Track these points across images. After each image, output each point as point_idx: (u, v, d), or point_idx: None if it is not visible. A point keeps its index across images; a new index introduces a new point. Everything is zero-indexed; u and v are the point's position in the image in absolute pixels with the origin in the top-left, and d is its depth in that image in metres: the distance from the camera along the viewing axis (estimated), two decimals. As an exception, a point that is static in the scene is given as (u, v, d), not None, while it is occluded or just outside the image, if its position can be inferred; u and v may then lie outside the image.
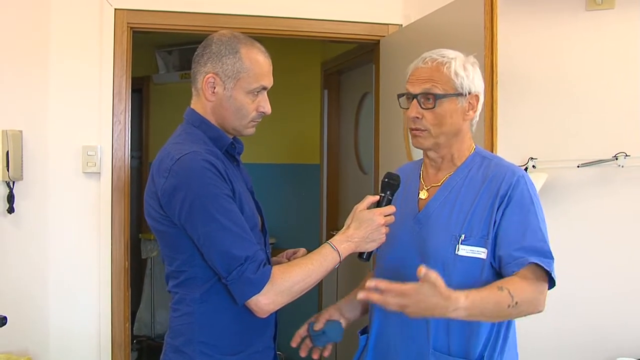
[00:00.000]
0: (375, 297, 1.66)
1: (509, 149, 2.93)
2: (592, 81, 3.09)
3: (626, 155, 2.96)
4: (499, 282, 1.77)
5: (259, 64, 1.92)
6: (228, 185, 1.82)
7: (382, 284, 1.65)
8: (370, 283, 1.67)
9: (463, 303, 1.67)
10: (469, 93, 1.91)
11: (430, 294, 1.62)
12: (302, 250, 2.09)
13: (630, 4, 3.04)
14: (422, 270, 1.61)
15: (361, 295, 1.70)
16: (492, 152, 2.62)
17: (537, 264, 1.80)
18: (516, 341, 1.97)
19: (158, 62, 5.99)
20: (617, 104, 3.06)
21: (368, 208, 1.90)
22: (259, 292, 1.75)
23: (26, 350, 3.13)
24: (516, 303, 1.74)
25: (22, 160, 3.13)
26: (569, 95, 3.12)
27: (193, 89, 1.98)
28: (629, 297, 3.03)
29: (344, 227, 1.90)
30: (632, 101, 3.04)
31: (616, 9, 3.05)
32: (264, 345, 1.98)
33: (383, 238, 1.89)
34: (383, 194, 1.92)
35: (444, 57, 1.91)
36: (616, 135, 3.03)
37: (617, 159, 2.98)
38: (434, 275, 1.62)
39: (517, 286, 1.77)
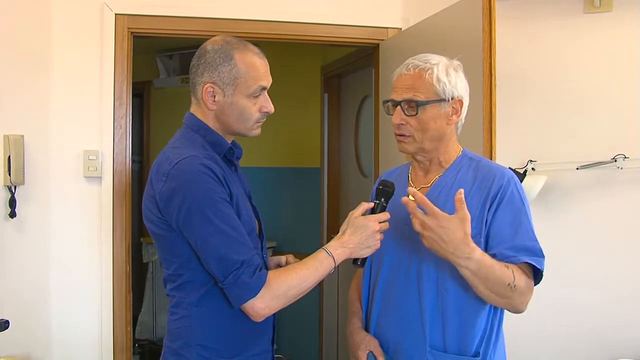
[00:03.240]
0: (411, 204, 1.76)
1: (508, 152, 2.95)
2: (591, 83, 3.10)
3: (625, 157, 2.98)
4: (504, 263, 1.82)
5: (254, 66, 1.93)
6: (225, 190, 1.83)
7: (418, 195, 1.77)
8: (410, 189, 1.79)
9: (477, 256, 1.75)
10: (452, 98, 1.95)
11: (457, 228, 1.71)
12: (291, 256, 2.10)
13: (628, 7, 3.05)
14: (459, 196, 1.71)
15: (404, 199, 1.78)
16: (490, 154, 2.63)
17: (528, 263, 1.84)
18: (504, 339, 2.00)
19: (159, 66, 6.00)
20: (615, 106, 3.07)
21: (363, 214, 1.92)
22: (254, 296, 1.77)
23: (28, 355, 3.14)
24: (515, 286, 1.80)
25: (23, 165, 3.13)
26: (568, 98, 3.13)
27: (192, 97, 1.99)
28: (629, 298, 3.04)
29: (339, 233, 1.92)
30: (631, 103, 3.05)
31: (614, 11, 3.06)
32: (261, 348, 1.99)
33: (378, 244, 1.90)
34: (377, 201, 1.94)
35: (426, 63, 1.95)
36: (615, 138, 3.04)
37: (616, 161, 2.99)
38: (467, 214, 1.71)
39: (518, 272, 1.82)
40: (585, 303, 3.06)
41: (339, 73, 4.92)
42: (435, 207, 1.74)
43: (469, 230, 1.73)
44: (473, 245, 1.75)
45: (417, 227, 1.78)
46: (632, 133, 3.03)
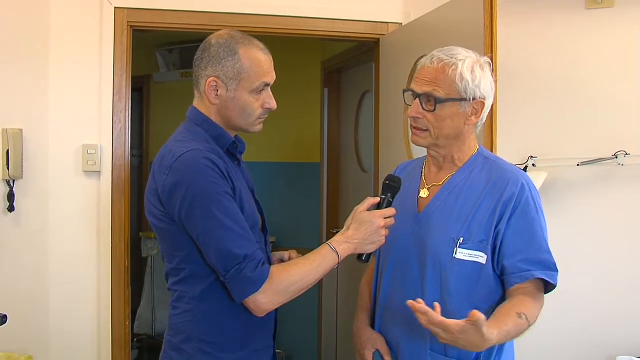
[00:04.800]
0: (423, 319, 1.65)
1: (509, 148, 2.94)
2: (592, 79, 3.09)
3: (626, 154, 2.96)
4: (518, 308, 1.79)
5: (259, 62, 1.92)
6: (229, 184, 1.82)
7: (425, 309, 1.64)
8: (420, 307, 1.65)
9: (494, 341, 1.69)
10: (474, 99, 1.88)
11: (472, 334, 1.62)
12: (294, 252, 2.09)
13: (630, 3, 3.03)
14: (476, 315, 1.59)
15: (409, 303, 1.67)
16: (492, 150, 2.62)
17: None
18: (513, 345, 1.98)
19: (158, 60, 5.99)
20: (617, 102, 3.06)
21: (368, 210, 1.91)
22: (257, 291, 1.76)
23: (27, 349, 3.13)
24: (531, 325, 1.80)
25: (22, 159, 3.13)
26: (569, 94, 3.12)
27: (195, 91, 1.98)
28: (629, 294, 3.03)
29: (343, 228, 1.91)
30: (632, 99, 3.04)
31: (616, 7, 3.04)
32: (263, 343, 1.98)
33: (382, 240, 1.89)
34: (384, 196, 1.92)
35: (452, 58, 1.87)
36: (616, 134, 3.02)
37: (617, 157, 2.97)
38: (483, 319, 1.61)
39: (531, 309, 1.81)
40: (585, 299, 3.05)
41: (339, 68, 4.91)
42: (447, 321, 1.63)
43: (485, 330, 1.62)
44: (489, 336, 1.64)
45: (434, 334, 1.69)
46: (634, 129, 3.02)
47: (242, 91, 1.91)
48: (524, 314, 1.77)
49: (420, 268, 1.92)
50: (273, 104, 1.97)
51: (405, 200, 2.01)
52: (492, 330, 1.66)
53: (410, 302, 1.67)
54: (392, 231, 1.91)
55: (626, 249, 3.04)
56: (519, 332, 1.78)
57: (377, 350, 1.98)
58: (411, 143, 3.18)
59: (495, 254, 1.86)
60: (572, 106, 3.12)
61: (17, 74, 3.16)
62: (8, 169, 3.06)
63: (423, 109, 1.89)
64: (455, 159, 1.97)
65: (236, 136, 2.02)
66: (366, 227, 1.87)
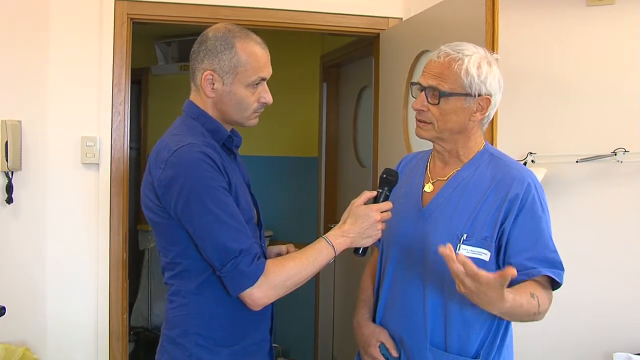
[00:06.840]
0: (454, 265, 1.59)
1: (509, 144, 2.92)
2: (592, 76, 3.09)
3: (625, 151, 2.97)
4: (531, 288, 1.77)
5: (255, 56, 1.91)
6: (224, 178, 1.82)
7: (462, 259, 1.59)
8: (453, 256, 1.60)
9: (508, 305, 1.66)
10: (479, 95, 1.87)
11: (495, 290, 1.60)
12: (291, 246, 2.10)
13: (631, 0, 3.03)
14: (510, 271, 1.56)
15: (443, 251, 1.61)
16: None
17: (547, 276, 1.81)
18: (512, 341, 1.98)
19: (157, 53, 5.98)
20: (616, 99, 3.06)
21: (365, 204, 1.90)
22: (252, 285, 1.76)
23: (24, 341, 3.14)
24: (539, 312, 1.78)
25: (21, 151, 3.12)
26: (569, 91, 3.12)
27: (192, 84, 1.98)
28: (627, 292, 3.04)
29: (340, 222, 1.91)
30: (632, 97, 3.04)
31: (617, 4, 3.05)
32: (260, 337, 1.99)
33: (379, 234, 1.89)
34: (381, 190, 1.92)
35: (459, 53, 1.87)
36: (615, 131, 3.03)
37: (616, 154, 2.98)
38: (507, 279, 1.58)
39: (543, 297, 1.79)
40: (583, 295, 3.05)
41: (339, 62, 4.90)
42: (476, 268, 1.58)
43: (505, 290, 1.61)
44: (507, 296, 1.64)
45: (462, 289, 1.65)
46: (633, 126, 3.02)
47: (238, 85, 1.91)
48: (537, 296, 1.76)
49: (423, 263, 1.91)
50: (269, 98, 1.96)
51: (410, 193, 2.00)
52: (509, 294, 1.64)
53: (441, 249, 1.61)
54: (396, 225, 1.91)
55: (624, 245, 3.05)
56: (529, 312, 1.75)
57: (382, 343, 1.98)
58: (410, 138, 3.20)
59: (501, 253, 1.85)
60: (571, 103, 3.12)
61: (16, 65, 3.16)
62: (6, 160, 3.05)
63: (428, 102, 1.89)
64: (460, 155, 1.96)
65: (232, 130, 2.02)
66: (362, 220, 1.87)
